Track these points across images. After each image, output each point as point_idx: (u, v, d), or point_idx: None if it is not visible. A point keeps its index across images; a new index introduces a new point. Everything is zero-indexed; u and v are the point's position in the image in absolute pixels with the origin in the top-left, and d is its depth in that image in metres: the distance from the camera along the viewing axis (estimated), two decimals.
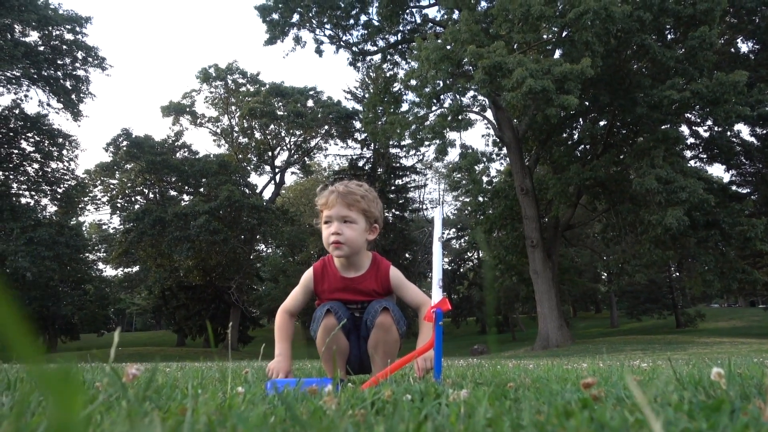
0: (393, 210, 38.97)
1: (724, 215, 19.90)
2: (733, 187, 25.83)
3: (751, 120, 22.12)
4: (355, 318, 2.20)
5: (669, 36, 22.09)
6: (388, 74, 29.81)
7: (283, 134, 40.84)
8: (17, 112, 28.69)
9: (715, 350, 13.61)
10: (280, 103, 37.60)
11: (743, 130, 35.93)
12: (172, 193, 38.16)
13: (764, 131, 23.67)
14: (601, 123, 24.14)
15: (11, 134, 28.92)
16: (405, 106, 26.19)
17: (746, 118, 20.84)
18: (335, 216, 2.11)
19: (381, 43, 29.19)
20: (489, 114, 26.06)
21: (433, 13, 28.66)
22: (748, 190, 26.29)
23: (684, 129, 23.89)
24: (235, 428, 0.78)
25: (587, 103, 22.20)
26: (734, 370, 1.98)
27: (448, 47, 20.43)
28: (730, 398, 1.05)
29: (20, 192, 30.02)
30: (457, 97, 22.33)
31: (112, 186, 36.94)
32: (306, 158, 42.43)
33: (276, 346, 2.20)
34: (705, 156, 26.17)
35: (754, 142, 24.52)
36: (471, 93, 23.72)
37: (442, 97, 22.96)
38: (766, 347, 14.11)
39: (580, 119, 24.79)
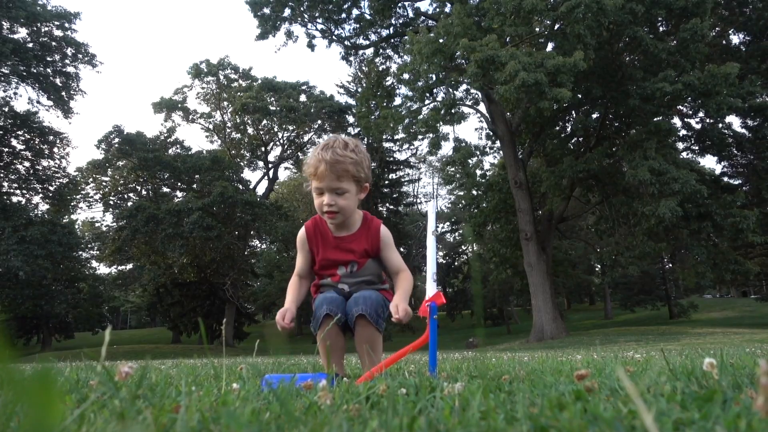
0: (387, 204, 38.99)
1: (717, 207, 20.03)
2: (725, 179, 25.99)
3: (743, 112, 22.24)
4: (345, 293, 2.24)
5: (661, 28, 22.14)
6: (380, 68, 29.76)
7: (275, 129, 40.72)
8: (6, 110, 28.43)
9: (707, 341, 13.74)
10: (273, 98, 37.44)
11: (735, 121, 36.19)
12: (165, 189, 38.01)
13: (755, 123, 23.79)
14: (594, 115, 24.19)
15: (1, 132, 28.66)
16: (398, 100, 26.17)
17: (738, 109, 20.96)
18: (326, 188, 2.12)
19: (373, 37, 29.09)
20: (482, 107, 26.08)
21: (425, 6, 28.68)
22: (740, 182, 26.45)
23: (676, 121, 23.99)
24: (229, 425, 0.78)
25: (580, 96, 22.23)
26: (726, 360, 2.00)
27: (441, 41, 20.40)
28: (722, 388, 1.06)
29: (11, 191, 29.80)
30: (450, 90, 22.33)
31: (104, 183, 36.73)
32: (299, 153, 42.30)
33: (287, 295, 2.25)
34: (697, 148, 26.29)
35: (746, 134, 24.65)
36: (464, 86, 23.72)
37: (435, 90, 22.95)
38: (759, 337, 14.24)
39: (573, 112, 24.84)
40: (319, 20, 28.23)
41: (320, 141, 2.34)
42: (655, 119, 20.68)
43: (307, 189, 2.20)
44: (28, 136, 29.59)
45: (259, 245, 44.23)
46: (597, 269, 47.37)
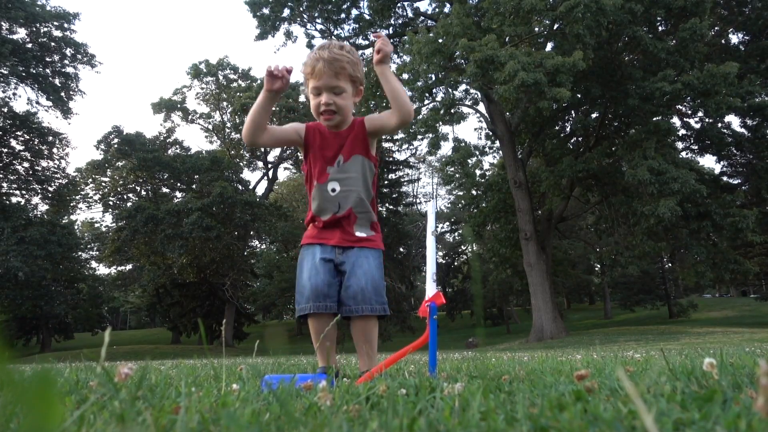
0: (386, 204, 38.97)
1: (716, 206, 20.04)
2: (725, 178, 26.01)
3: (742, 111, 22.25)
4: (336, 198, 2.18)
5: (660, 28, 22.15)
6: None
7: None
8: (6, 110, 28.41)
9: (707, 340, 13.75)
10: None
11: (734, 121, 36.15)
12: (165, 190, 38.00)
13: (755, 122, 23.80)
14: (594, 115, 24.20)
15: (0, 133, 28.65)
16: None
17: (737, 109, 20.98)
18: (324, 87, 2.12)
19: (372, 38, 29.09)
20: (481, 107, 26.07)
21: (424, 6, 28.71)
22: (739, 181, 26.47)
23: (675, 120, 24.00)
24: (228, 427, 0.78)
25: (579, 96, 22.24)
26: (726, 360, 2.00)
27: (440, 41, 20.40)
28: (722, 388, 1.06)
29: (11, 191, 29.78)
30: (450, 90, 22.32)
31: (103, 184, 36.72)
32: (298, 154, 42.29)
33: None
34: (696, 147, 26.31)
35: (745, 133, 24.66)
36: (463, 86, 23.71)
37: (434, 90, 22.94)
38: (758, 336, 14.25)
39: (573, 112, 24.85)
40: (319, 20, 28.23)
41: None
42: (655, 119, 20.69)
43: (304, 92, 2.21)
44: (28, 137, 29.58)
45: (258, 245, 44.27)
46: (596, 269, 47.38)
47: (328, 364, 2.09)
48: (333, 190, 2.18)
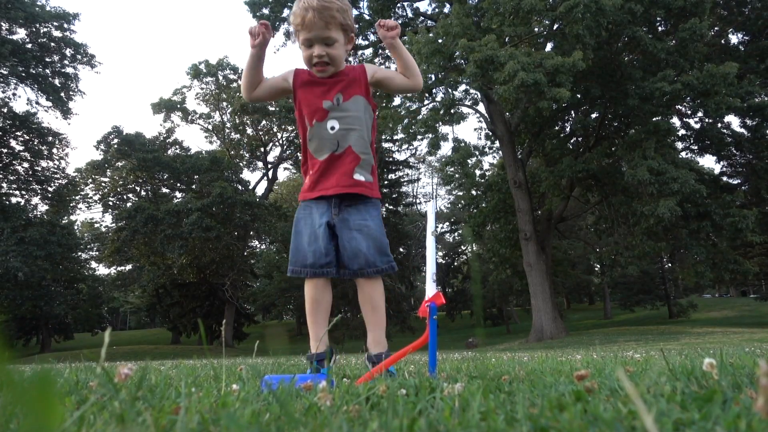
0: (386, 204, 38.98)
1: (716, 206, 20.05)
2: (724, 179, 26.02)
3: (742, 111, 22.26)
4: (335, 136, 2.11)
5: (660, 28, 22.16)
6: None
7: (275, 130, 40.72)
8: (5, 110, 28.41)
9: (707, 340, 13.75)
10: None
11: (734, 121, 36.16)
12: (164, 190, 38.00)
13: (754, 122, 23.81)
14: (593, 115, 24.20)
15: (0, 133, 28.64)
16: (397, 101, 26.15)
17: (737, 109, 20.98)
18: (316, 38, 2.07)
19: (372, 38, 29.09)
20: (481, 107, 26.08)
21: (424, 6, 28.72)
22: (739, 181, 26.48)
23: (675, 120, 24.02)
24: (228, 427, 0.78)
25: (579, 96, 22.25)
26: (726, 360, 2.00)
27: (440, 41, 20.40)
28: (722, 388, 1.06)
29: (10, 191, 29.77)
30: (449, 90, 22.32)
31: (103, 184, 36.71)
32: (298, 154, 42.31)
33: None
34: (696, 147, 26.33)
35: (745, 134, 24.67)
36: (463, 87, 23.70)
37: (434, 91, 22.94)
38: (758, 336, 14.26)
39: (572, 112, 24.86)
40: None
41: None
42: (654, 119, 20.69)
43: (294, 42, 2.18)
44: (27, 137, 29.57)
45: (258, 246, 44.24)
46: (596, 269, 47.39)
47: (321, 345, 2.07)
48: (332, 128, 2.11)
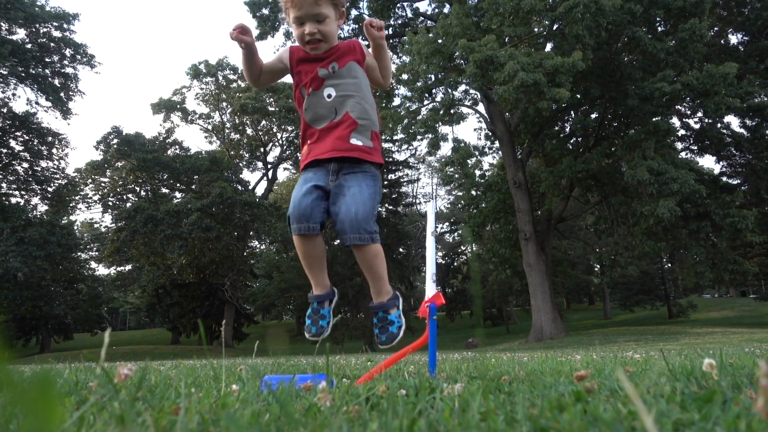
0: (386, 205, 38.97)
1: (715, 207, 20.06)
2: (724, 179, 26.02)
3: (741, 111, 22.27)
4: (332, 104, 2.08)
5: (660, 28, 22.15)
6: None
7: (275, 130, 40.72)
8: (5, 110, 28.40)
9: (707, 340, 13.75)
10: (272, 99, 37.44)
11: (733, 121, 36.19)
12: (164, 190, 38.00)
13: (754, 123, 23.82)
14: (593, 115, 24.21)
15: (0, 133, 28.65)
16: (397, 101, 26.16)
17: (736, 109, 20.99)
18: (306, 16, 2.03)
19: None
20: (481, 108, 26.09)
21: (424, 6, 28.71)
22: (739, 182, 26.49)
23: (675, 121, 24.02)
24: (228, 428, 0.77)
25: (579, 96, 22.26)
26: (726, 360, 2.00)
27: (440, 41, 20.40)
28: (722, 389, 1.06)
29: (10, 192, 29.76)
30: (449, 90, 22.32)
31: (103, 184, 36.71)
32: (298, 154, 42.30)
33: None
34: (696, 147, 26.34)
35: (744, 134, 24.68)
36: (463, 87, 23.70)
37: (434, 91, 22.94)
38: (758, 337, 14.26)
39: (572, 112, 24.86)
40: None
41: None
42: (654, 119, 20.70)
43: (283, 22, 2.15)
44: (27, 137, 29.56)
45: (258, 246, 44.23)
46: (596, 269, 47.40)
47: (321, 288, 2.11)
48: (329, 96, 2.08)
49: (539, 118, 23.22)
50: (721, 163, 26.98)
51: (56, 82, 30.01)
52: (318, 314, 2.10)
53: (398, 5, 27.53)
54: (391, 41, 29.12)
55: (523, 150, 26.20)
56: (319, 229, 2.02)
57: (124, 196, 37.28)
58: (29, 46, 28.49)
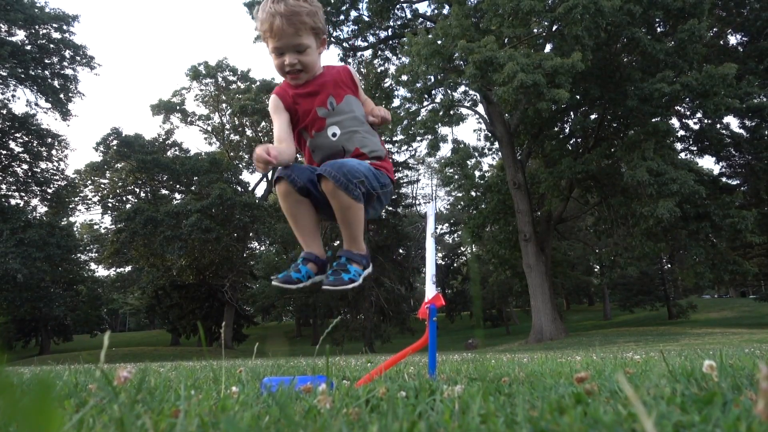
0: (386, 206, 38.95)
1: (715, 207, 20.07)
2: (723, 179, 26.04)
3: (741, 112, 22.29)
4: (339, 143, 1.99)
5: (659, 29, 22.19)
6: (379, 70, 29.76)
7: None
8: (5, 112, 28.41)
9: (707, 341, 13.75)
10: None
11: (733, 122, 36.18)
12: (164, 192, 38.00)
13: (753, 123, 23.84)
14: (593, 116, 24.22)
15: None
16: (396, 102, 26.18)
17: (735, 110, 21.01)
18: (286, 47, 1.93)
19: (371, 39, 29.11)
20: (480, 109, 26.11)
21: (423, 8, 28.68)
22: (738, 182, 26.50)
23: (674, 121, 24.05)
24: (228, 430, 0.77)
25: (578, 97, 22.27)
26: (726, 361, 2.00)
27: (439, 42, 20.41)
28: (722, 390, 1.06)
29: (9, 193, 29.76)
30: (449, 92, 22.34)
31: (102, 186, 36.70)
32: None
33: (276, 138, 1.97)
34: (695, 148, 26.36)
35: (744, 134, 24.70)
36: (462, 88, 23.74)
37: (433, 92, 22.97)
38: (757, 337, 14.26)
39: (572, 113, 24.88)
40: None
41: None
42: (654, 120, 20.72)
43: (259, 38, 2.04)
44: (27, 139, 29.56)
45: (257, 247, 44.21)
46: (596, 270, 47.39)
47: (308, 249, 1.95)
48: (334, 135, 2.00)
49: (539, 119, 23.23)
50: (720, 163, 27.01)
51: (56, 83, 30.01)
52: (295, 267, 1.92)
53: (397, 6, 27.55)
54: (391, 42, 29.15)
55: (523, 151, 26.21)
56: (303, 189, 1.89)
57: (124, 198, 37.28)
58: (29, 47, 28.50)
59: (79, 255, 34.91)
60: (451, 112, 21.54)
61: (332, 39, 28.93)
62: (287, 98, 2.03)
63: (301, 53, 1.96)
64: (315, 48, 2.00)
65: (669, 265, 41.59)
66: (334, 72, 2.08)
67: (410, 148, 37.50)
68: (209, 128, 41.41)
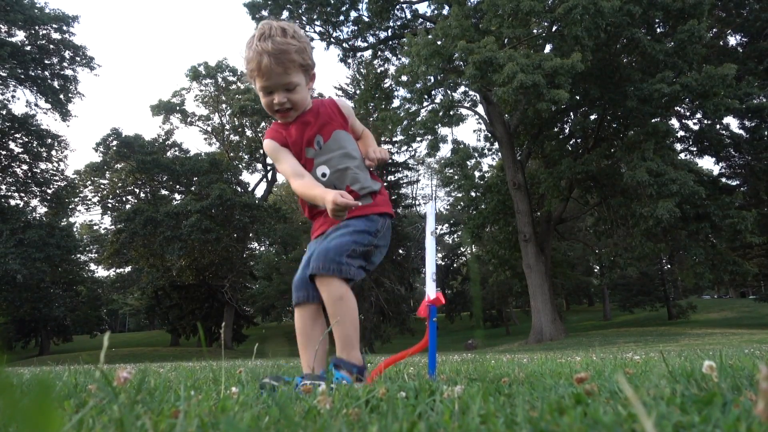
0: None
1: (715, 208, 20.08)
2: (723, 180, 26.05)
3: (740, 113, 22.30)
4: (329, 183, 1.96)
5: (658, 30, 22.20)
6: (378, 70, 29.77)
7: None
8: (4, 112, 28.38)
9: (706, 341, 13.75)
10: None
11: (732, 122, 36.23)
12: (164, 192, 37.98)
13: (753, 124, 23.85)
14: (592, 117, 24.24)
15: None
16: (396, 102, 26.19)
17: (735, 110, 21.02)
18: (275, 86, 1.89)
19: (371, 39, 29.12)
20: (480, 109, 26.12)
21: (423, 8, 28.67)
22: (738, 183, 26.51)
23: (674, 122, 24.07)
24: (227, 431, 0.77)
25: (578, 98, 22.29)
26: (725, 362, 2.00)
27: (439, 43, 20.43)
28: (722, 391, 1.06)
29: (9, 193, 29.75)
30: (448, 92, 22.35)
31: (102, 186, 36.70)
32: None
33: (315, 190, 1.85)
34: (695, 149, 26.36)
35: (743, 135, 24.71)
36: (462, 88, 23.76)
37: (433, 92, 22.97)
38: (757, 338, 14.26)
39: (571, 113, 24.90)
40: (318, 22, 28.25)
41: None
42: (653, 120, 20.73)
43: (249, 84, 1.99)
44: (26, 139, 29.55)
45: (257, 247, 44.22)
46: (596, 270, 47.42)
47: (308, 369, 1.87)
48: (323, 175, 1.97)
49: (538, 120, 23.24)
50: (720, 164, 27.02)
51: (56, 83, 30.00)
52: (287, 382, 1.71)
53: (397, 7, 27.56)
54: (390, 43, 29.16)
55: (523, 151, 26.22)
56: (318, 300, 1.88)
57: (124, 198, 37.27)
58: (29, 48, 28.50)
59: (78, 255, 34.91)
60: (451, 113, 21.55)
61: (332, 39, 28.94)
62: (281, 139, 2.01)
63: (290, 91, 1.92)
64: (304, 85, 1.96)
65: (669, 266, 41.61)
66: (321, 107, 2.04)
67: (410, 149, 37.51)
68: (209, 129, 41.41)
